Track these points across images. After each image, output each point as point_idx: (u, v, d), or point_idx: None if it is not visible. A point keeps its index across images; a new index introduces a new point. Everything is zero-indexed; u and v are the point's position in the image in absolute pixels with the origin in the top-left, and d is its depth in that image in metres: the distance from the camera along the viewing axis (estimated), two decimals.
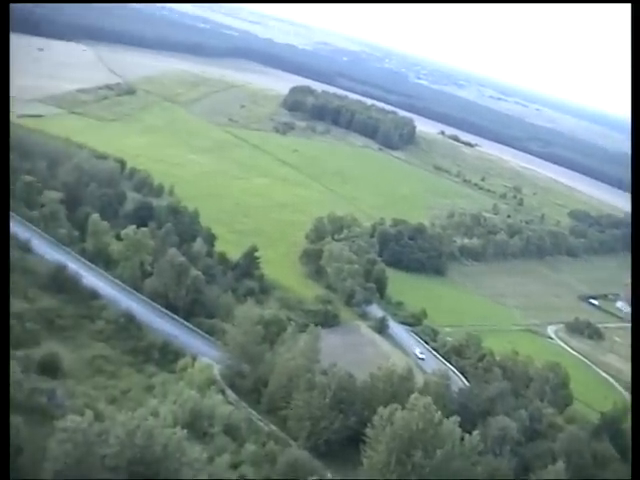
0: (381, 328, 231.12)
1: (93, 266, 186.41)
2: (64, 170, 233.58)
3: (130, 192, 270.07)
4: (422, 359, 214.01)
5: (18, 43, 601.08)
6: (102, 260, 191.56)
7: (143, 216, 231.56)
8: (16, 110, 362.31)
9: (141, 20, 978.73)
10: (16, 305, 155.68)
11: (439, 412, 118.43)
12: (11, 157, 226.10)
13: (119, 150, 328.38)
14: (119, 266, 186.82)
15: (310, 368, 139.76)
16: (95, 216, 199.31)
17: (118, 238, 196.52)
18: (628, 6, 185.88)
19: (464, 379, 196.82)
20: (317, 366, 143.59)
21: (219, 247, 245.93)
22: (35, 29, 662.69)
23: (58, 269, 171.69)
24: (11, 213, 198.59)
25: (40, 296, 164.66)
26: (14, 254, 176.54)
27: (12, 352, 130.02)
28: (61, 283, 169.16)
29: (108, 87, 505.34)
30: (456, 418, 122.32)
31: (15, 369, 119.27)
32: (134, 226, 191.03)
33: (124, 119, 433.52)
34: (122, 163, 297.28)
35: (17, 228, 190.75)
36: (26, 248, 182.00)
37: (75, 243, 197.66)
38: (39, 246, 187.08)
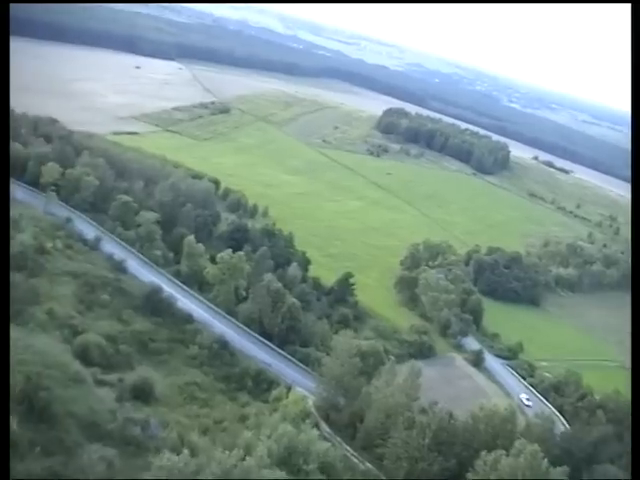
0: (477, 361, 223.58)
1: (187, 289, 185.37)
2: (160, 190, 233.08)
3: (224, 212, 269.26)
4: (529, 406, 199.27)
5: (116, 60, 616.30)
6: (196, 283, 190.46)
7: (238, 238, 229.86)
8: (112, 127, 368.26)
9: (235, 39, 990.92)
10: (110, 327, 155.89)
11: (546, 460, 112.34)
12: (108, 175, 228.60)
13: (213, 169, 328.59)
14: (214, 290, 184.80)
15: (409, 406, 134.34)
16: (190, 238, 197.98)
17: (213, 260, 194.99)
18: None
19: (563, 419, 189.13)
20: (416, 404, 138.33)
21: (312, 271, 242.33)
22: (132, 47, 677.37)
23: (153, 291, 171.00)
24: (108, 233, 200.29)
25: (134, 318, 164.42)
26: (110, 275, 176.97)
27: (105, 375, 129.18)
28: (155, 305, 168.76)
29: (203, 106, 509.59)
30: (565, 469, 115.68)
31: (109, 396, 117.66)
32: (230, 250, 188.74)
33: (218, 138, 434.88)
34: (216, 183, 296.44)
35: (114, 248, 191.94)
36: (121, 268, 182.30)
37: (170, 265, 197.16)
38: (134, 267, 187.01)
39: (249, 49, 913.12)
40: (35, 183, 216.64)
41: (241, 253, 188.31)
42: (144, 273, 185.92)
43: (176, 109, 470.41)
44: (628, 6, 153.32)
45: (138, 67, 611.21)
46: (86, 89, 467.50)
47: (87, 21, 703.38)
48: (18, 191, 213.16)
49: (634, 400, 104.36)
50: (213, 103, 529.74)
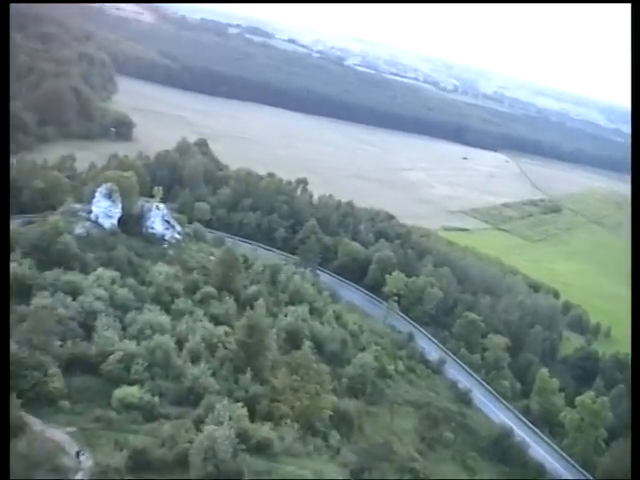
0: None
1: (538, 432, 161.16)
2: (506, 307, 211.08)
3: (564, 330, 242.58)
4: None
5: (443, 150, 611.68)
6: (547, 424, 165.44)
7: (586, 367, 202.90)
8: (442, 221, 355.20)
9: (558, 131, 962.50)
10: (454, 474, 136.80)
11: None
12: (452, 286, 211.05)
13: (547, 276, 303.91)
14: (569, 436, 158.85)
15: None
16: (544, 372, 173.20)
17: (567, 398, 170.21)
18: None
19: None
20: None
21: None
22: (457, 137, 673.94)
23: (504, 434, 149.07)
24: (451, 354, 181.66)
25: (480, 464, 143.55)
26: (454, 407, 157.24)
27: None
28: (505, 451, 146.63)
29: (532, 203, 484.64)
30: None
31: None
32: (592, 392, 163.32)
33: (550, 240, 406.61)
34: (556, 296, 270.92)
35: (458, 374, 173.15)
36: (466, 400, 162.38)
37: (517, 399, 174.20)
38: (478, 398, 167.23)
39: (573, 142, 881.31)
40: (374, 288, 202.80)
41: (605, 399, 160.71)
42: (489, 407, 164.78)
43: (505, 205, 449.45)
44: None
45: (465, 158, 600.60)
46: (415, 179, 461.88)
47: (405, 107, 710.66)
48: (357, 296, 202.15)
49: (634, 400, 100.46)
50: (543, 201, 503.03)
